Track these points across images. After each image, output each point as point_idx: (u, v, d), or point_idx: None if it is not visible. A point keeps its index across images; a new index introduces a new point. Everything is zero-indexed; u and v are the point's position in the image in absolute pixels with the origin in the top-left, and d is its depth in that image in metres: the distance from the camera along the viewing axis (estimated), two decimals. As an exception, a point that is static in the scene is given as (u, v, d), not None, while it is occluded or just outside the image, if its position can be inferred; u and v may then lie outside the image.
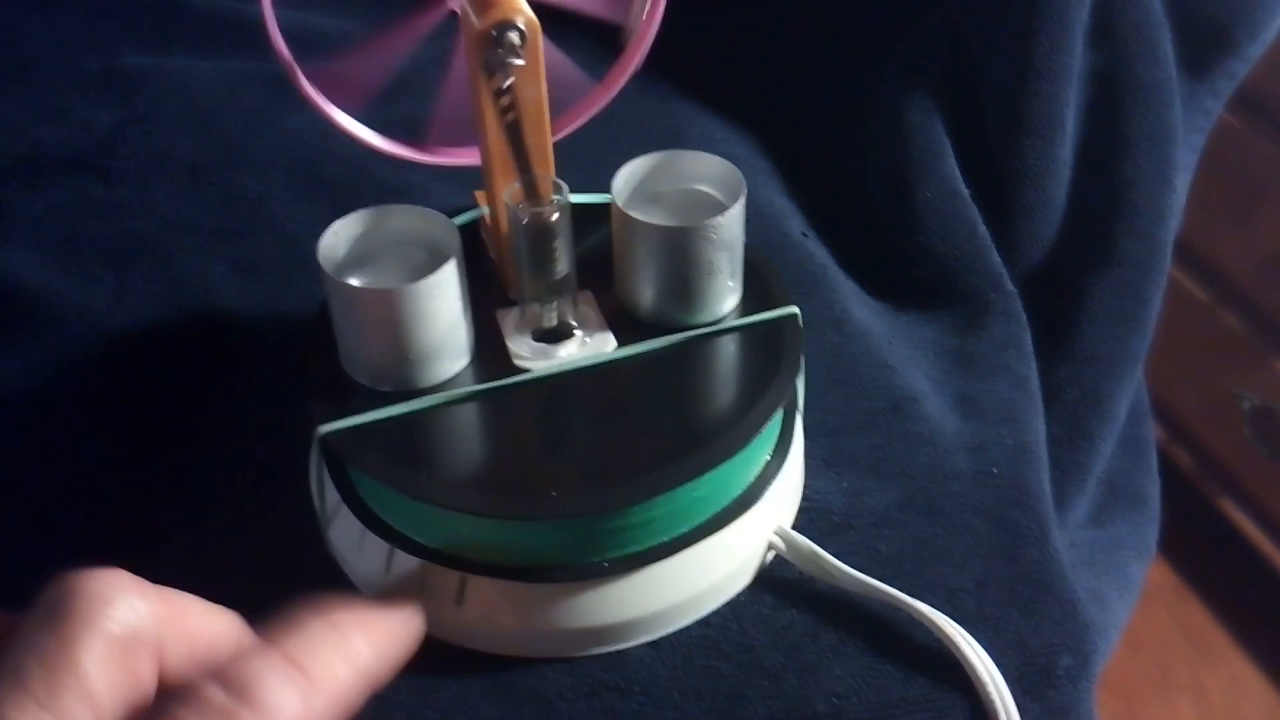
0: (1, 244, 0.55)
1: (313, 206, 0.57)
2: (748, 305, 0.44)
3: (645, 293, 0.43)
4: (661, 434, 0.40)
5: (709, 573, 0.41)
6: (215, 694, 0.30)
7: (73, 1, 0.70)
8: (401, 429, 0.40)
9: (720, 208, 0.42)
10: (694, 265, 0.42)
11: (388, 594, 0.39)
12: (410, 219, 0.41)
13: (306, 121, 0.60)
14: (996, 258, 0.56)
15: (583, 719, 0.39)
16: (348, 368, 0.41)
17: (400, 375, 0.40)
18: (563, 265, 0.41)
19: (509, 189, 0.40)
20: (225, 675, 0.31)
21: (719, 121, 0.65)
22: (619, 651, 0.41)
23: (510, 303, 0.44)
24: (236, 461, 0.48)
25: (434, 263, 0.39)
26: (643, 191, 0.44)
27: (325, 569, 0.43)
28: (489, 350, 0.42)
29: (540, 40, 0.38)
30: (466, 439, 0.40)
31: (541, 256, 0.40)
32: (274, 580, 0.39)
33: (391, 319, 0.39)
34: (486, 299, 0.44)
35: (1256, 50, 0.61)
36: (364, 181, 0.59)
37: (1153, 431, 0.63)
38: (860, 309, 0.55)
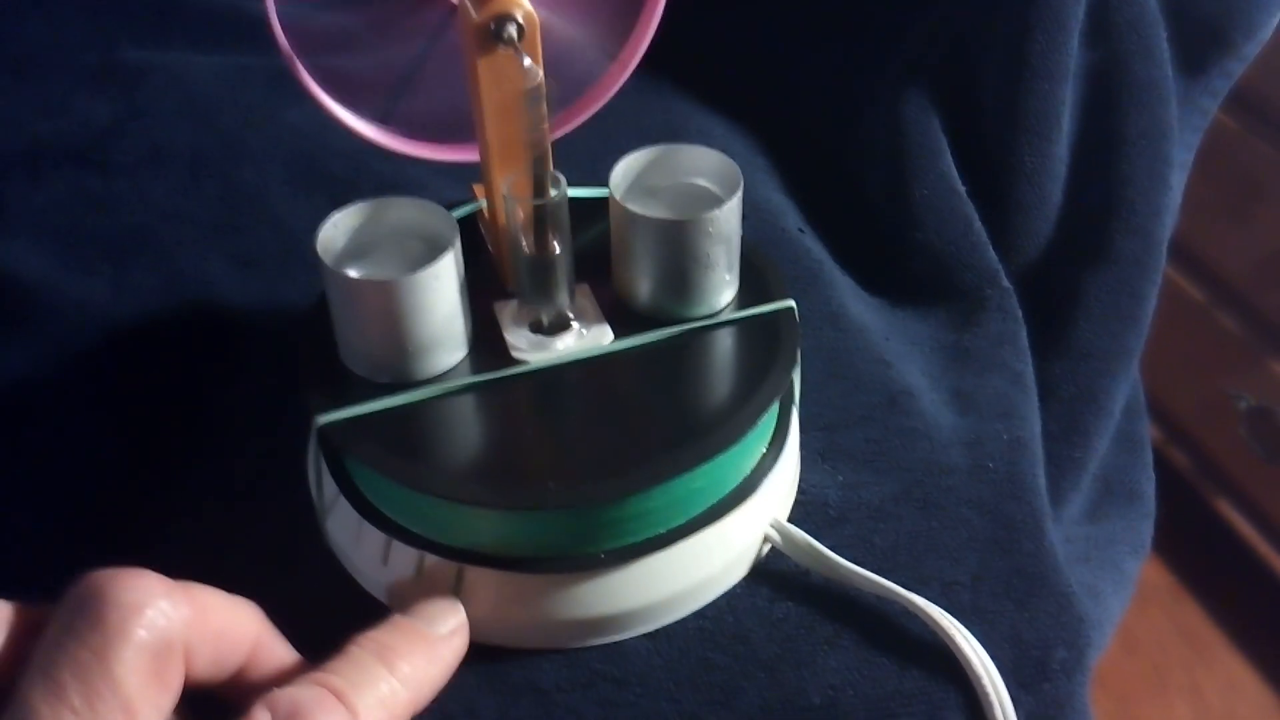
0: (0, 237, 0.55)
1: (311, 200, 0.58)
2: (744, 299, 0.45)
3: (642, 285, 0.43)
4: (658, 426, 0.40)
5: (705, 565, 0.41)
6: None
7: (72, -4, 0.70)
8: (399, 420, 0.40)
9: (717, 201, 0.42)
10: (691, 258, 0.42)
11: (435, 611, 0.39)
12: (409, 211, 0.41)
13: (305, 116, 0.61)
14: (993, 254, 0.57)
15: (579, 710, 0.40)
16: (346, 359, 0.41)
17: (398, 366, 0.40)
18: (559, 254, 0.41)
19: (507, 181, 0.40)
20: (275, 705, 0.32)
21: (716, 118, 0.66)
22: (615, 643, 0.41)
23: (508, 295, 0.44)
24: (235, 453, 0.48)
25: (432, 254, 0.39)
26: (640, 185, 0.44)
27: (323, 560, 0.43)
28: (486, 342, 0.42)
29: (538, 34, 0.38)
30: (464, 430, 0.40)
31: (538, 248, 0.40)
32: (272, 571, 0.39)
33: (389, 310, 0.39)
34: (484, 291, 0.44)
35: (1252, 49, 0.61)
36: (363, 176, 0.59)
37: (1148, 428, 0.63)
38: (856, 304, 0.55)
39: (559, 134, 0.44)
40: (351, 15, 0.63)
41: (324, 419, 0.39)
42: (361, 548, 0.41)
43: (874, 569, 0.42)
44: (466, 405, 0.41)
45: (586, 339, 0.43)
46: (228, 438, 0.48)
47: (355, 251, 0.41)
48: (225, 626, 0.35)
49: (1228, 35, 0.60)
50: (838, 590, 0.43)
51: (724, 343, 0.43)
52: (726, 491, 0.42)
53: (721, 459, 0.40)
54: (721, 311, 0.44)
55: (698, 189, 0.44)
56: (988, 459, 0.48)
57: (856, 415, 0.49)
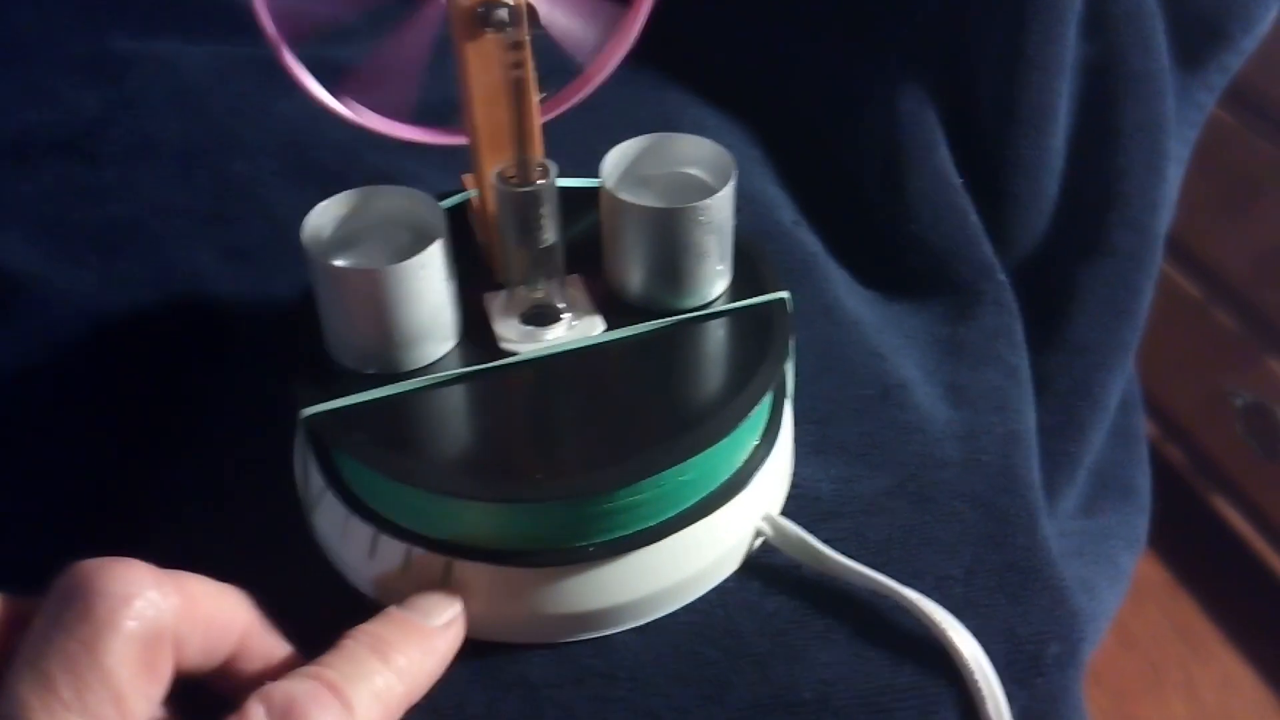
0: (-12, 228, 0.55)
1: (302, 191, 0.57)
2: (737, 290, 0.44)
3: (634, 276, 0.43)
4: (649, 417, 0.40)
5: (696, 558, 0.41)
6: (258, 716, 0.32)
7: (61, -15, 0.70)
8: (386, 411, 0.39)
9: (710, 191, 0.42)
10: (683, 248, 0.42)
11: (430, 604, 0.38)
12: (397, 200, 0.41)
13: (297, 106, 0.60)
14: (988, 247, 0.56)
15: (569, 705, 0.39)
16: (333, 350, 0.41)
17: (386, 357, 0.40)
18: (549, 244, 0.41)
19: (496, 167, 0.40)
20: (270, 699, 0.32)
21: (711, 109, 0.65)
22: (605, 637, 0.41)
23: (498, 286, 0.44)
24: (223, 446, 0.48)
25: (420, 244, 0.39)
26: (632, 174, 0.44)
27: (310, 554, 0.43)
28: (476, 333, 0.42)
29: (526, 18, 0.38)
30: (452, 422, 0.40)
31: (527, 237, 0.40)
32: (258, 565, 0.39)
33: (376, 300, 0.38)
34: (474, 282, 0.43)
35: (1249, 43, 0.61)
36: (354, 166, 0.58)
37: (1144, 422, 0.63)
38: (851, 297, 0.55)
39: (550, 116, 0.43)
40: (340, 2, 0.62)
41: (310, 410, 0.39)
42: (348, 541, 0.41)
43: (867, 563, 0.42)
44: (455, 397, 0.40)
45: (577, 330, 0.42)
46: (216, 430, 0.48)
47: (343, 241, 0.41)
48: (214, 615, 0.35)
49: (1225, 29, 0.60)
50: (830, 584, 0.42)
51: (716, 334, 0.43)
52: (718, 484, 0.41)
53: (713, 452, 0.39)
54: (714, 302, 0.44)
55: (690, 178, 0.44)
56: (982, 453, 0.48)
57: (850, 408, 0.49)
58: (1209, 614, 1.18)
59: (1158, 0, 0.59)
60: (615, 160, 0.43)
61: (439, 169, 0.57)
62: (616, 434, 0.39)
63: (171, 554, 0.35)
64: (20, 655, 0.31)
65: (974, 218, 0.57)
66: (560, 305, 0.42)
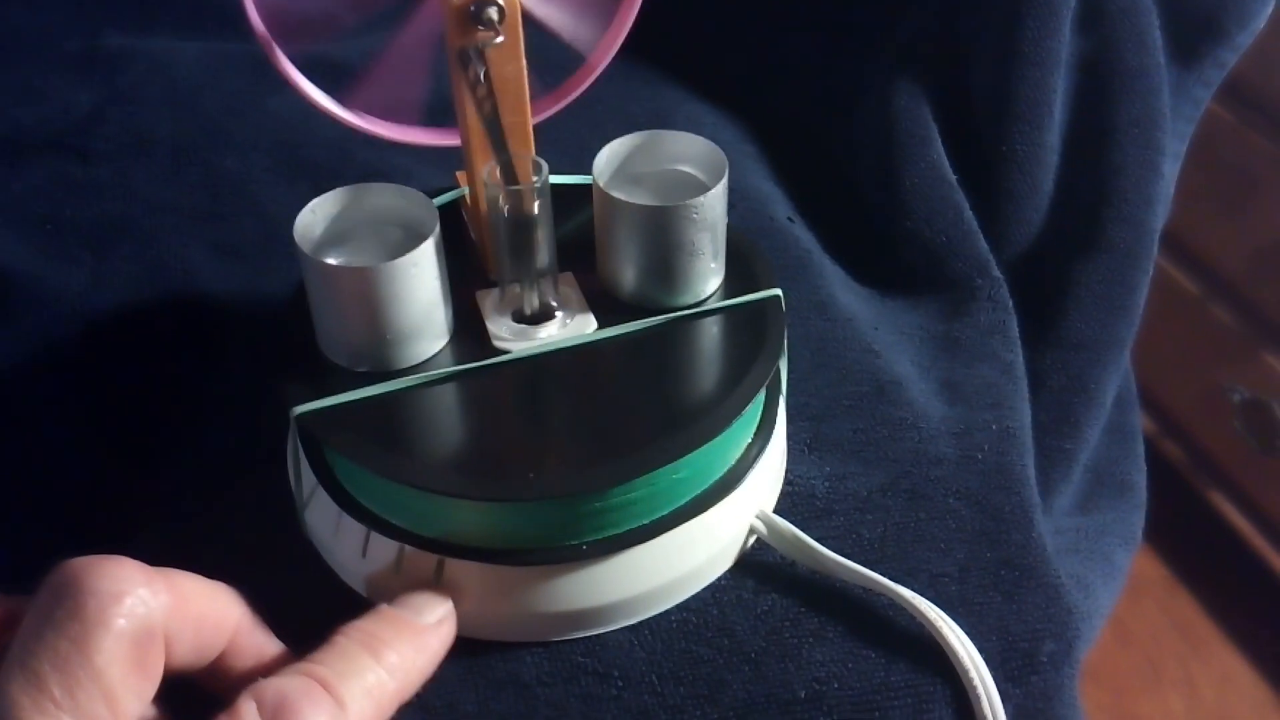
0: (-21, 225, 0.55)
1: (294, 188, 0.57)
2: (731, 287, 0.44)
3: (627, 274, 0.43)
4: (642, 416, 0.40)
5: (689, 556, 0.41)
6: (250, 713, 0.32)
7: (54, -19, 0.69)
8: (378, 410, 0.39)
9: (703, 188, 0.41)
10: (676, 246, 0.41)
11: (422, 601, 0.38)
12: (389, 198, 0.41)
13: (288, 103, 0.60)
14: (983, 243, 0.56)
15: (561, 703, 0.39)
16: (325, 348, 0.41)
17: (377, 355, 0.40)
18: (542, 247, 0.41)
19: (487, 168, 0.39)
20: (262, 695, 0.32)
21: (705, 106, 0.65)
22: (598, 635, 0.41)
23: (491, 284, 0.44)
24: (215, 444, 0.47)
25: (412, 242, 0.38)
26: (625, 172, 0.44)
27: (302, 552, 0.43)
28: (468, 331, 0.42)
29: (519, 16, 0.37)
30: (444, 420, 0.40)
31: (520, 236, 0.40)
32: (250, 563, 0.39)
33: (368, 298, 0.38)
34: (467, 280, 0.43)
35: (1245, 39, 0.61)
36: (346, 164, 0.58)
37: (1140, 419, 0.63)
38: (846, 294, 0.55)
39: (541, 118, 0.43)
40: (337, 2, 0.62)
41: (301, 409, 0.39)
42: (340, 539, 0.41)
43: (861, 561, 0.41)
44: (447, 395, 0.40)
45: (570, 328, 0.42)
46: (208, 428, 0.48)
47: (334, 239, 0.41)
48: (205, 613, 0.34)
49: (1221, 24, 0.60)
50: (824, 582, 0.42)
51: (709, 331, 0.43)
52: (711, 482, 0.41)
53: (706, 449, 0.39)
54: (707, 300, 0.44)
55: (683, 176, 0.44)
56: (976, 450, 0.47)
57: (844, 405, 0.49)
58: (1207, 610, 1.18)
59: (1153, -5, 0.59)
60: (608, 158, 0.43)
61: (432, 165, 0.57)
62: (609, 432, 0.39)
63: (164, 552, 0.35)
64: (10, 654, 0.30)
65: (969, 214, 0.56)
66: (553, 303, 0.42)
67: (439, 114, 0.43)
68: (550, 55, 0.42)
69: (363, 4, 0.40)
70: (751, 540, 0.43)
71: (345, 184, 0.41)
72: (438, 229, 0.39)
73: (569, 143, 0.46)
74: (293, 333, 0.41)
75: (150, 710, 0.33)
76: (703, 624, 0.41)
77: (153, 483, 0.47)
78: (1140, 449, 0.61)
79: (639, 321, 0.42)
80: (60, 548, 0.33)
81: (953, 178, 0.57)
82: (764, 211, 0.58)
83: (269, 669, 0.35)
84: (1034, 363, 0.55)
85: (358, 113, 0.42)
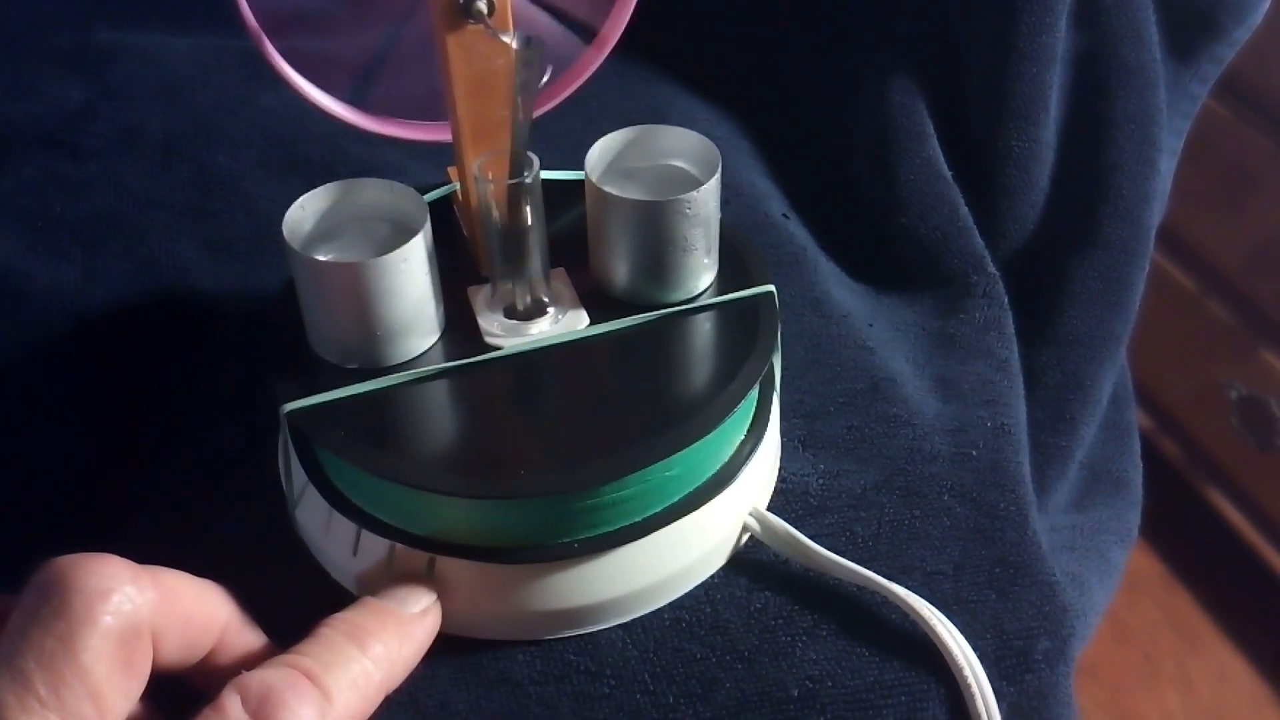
0: (-31, 221, 0.55)
1: (286, 184, 0.57)
2: (724, 283, 0.44)
3: (619, 269, 0.42)
4: (634, 412, 0.39)
5: (682, 554, 0.41)
6: (234, 706, 0.31)
7: (45, -24, 0.69)
8: (369, 407, 0.39)
9: (696, 183, 0.41)
10: (668, 241, 0.41)
11: (406, 592, 0.38)
12: (379, 193, 0.40)
13: (280, 99, 0.60)
14: (978, 240, 0.56)
15: (553, 702, 0.39)
16: (315, 345, 0.41)
17: (368, 352, 0.40)
18: (534, 243, 0.40)
19: (477, 163, 0.39)
20: (246, 688, 0.32)
21: (700, 101, 0.65)
22: (591, 634, 0.40)
23: (482, 279, 0.43)
24: (205, 442, 0.47)
25: (402, 237, 0.38)
26: (617, 167, 0.43)
27: (293, 550, 0.43)
28: (459, 327, 0.42)
29: (510, 10, 0.37)
30: (435, 417, 0.40)
31: (510, 233, 0.40)
32: (241, 561, 0.39)
33: (358, 294, 0.38)
34: (458, 275, 0.43)
35: (1242, 35, 0.61)
36: (339, 159, 0.58)
37: (1136, 416, 0.63)
38: (840, 290, 0.54)
39: (536, 114, 0.43)
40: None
41: (291, 406, 0.39)
42: (331, 537, 0.41)
43: (855, 558, 0.41)
44: (438, 392, 0.40)
45: (562, 324, 0.42)
46: (198, 425, 0.48)
47: (324, 234, 0.40)
48: (193, 610, 0.34)
49: (1217, 20, 0.60)
50: (818, 580, 0.42)
51: (702, 328, 0.42)
52: (704, 479, 0.41)
53: (699, 446, 0.39)
54: (700, 296, 0.43)
55: (676, 171, 0.43)
56: (971, 447, 0.47)
57: (838, 402, 0.48)
58: (1204, 607, 1.18)
59: (1149, -9, 0.58)
60: (600, 153, 0.42)
61: (425, 161, 0.57)
62: (601, 429, 0.39)
63: (153, 550, 0.35)
64: None
65: (964, 210, 0.56)
66: (545, 299, 0.42)
67: (430, 109, 0.43)
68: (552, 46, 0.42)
69: (362, 5, 0.40)
70: (745, 538, 0.43)
71: (337, 180, 0.41)
72: (428, 224, 0.39)
73: (563, 138, 0.46)
74: (283, 329, 0.41)
75: (138, 708, 0.32)
76: (695, 622, 0.41)
77: (143, 480, 0.46)
78: (1136, 446, 0.61)
79: (631, 317, 0.42)
80: (49, 545, 0.33)
81: (948, 174, 0.57)
82: (758, 207, 0.57)
83: (256, 665, 0.35)
84: (1029, 359, 0.54)
85: (349, 107, 0.42)
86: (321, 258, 0.38)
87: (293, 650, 0.34)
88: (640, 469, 0.38)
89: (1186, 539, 1.20)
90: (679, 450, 0.38)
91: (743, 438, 0.42)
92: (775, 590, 0.42)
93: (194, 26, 0.67)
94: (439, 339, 0.41)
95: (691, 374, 0.41)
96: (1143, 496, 0.61)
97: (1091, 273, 0.56)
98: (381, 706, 0.35)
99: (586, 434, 0.39)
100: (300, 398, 0.39)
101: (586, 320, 0.42)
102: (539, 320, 0.42)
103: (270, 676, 0.33)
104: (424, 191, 0.42)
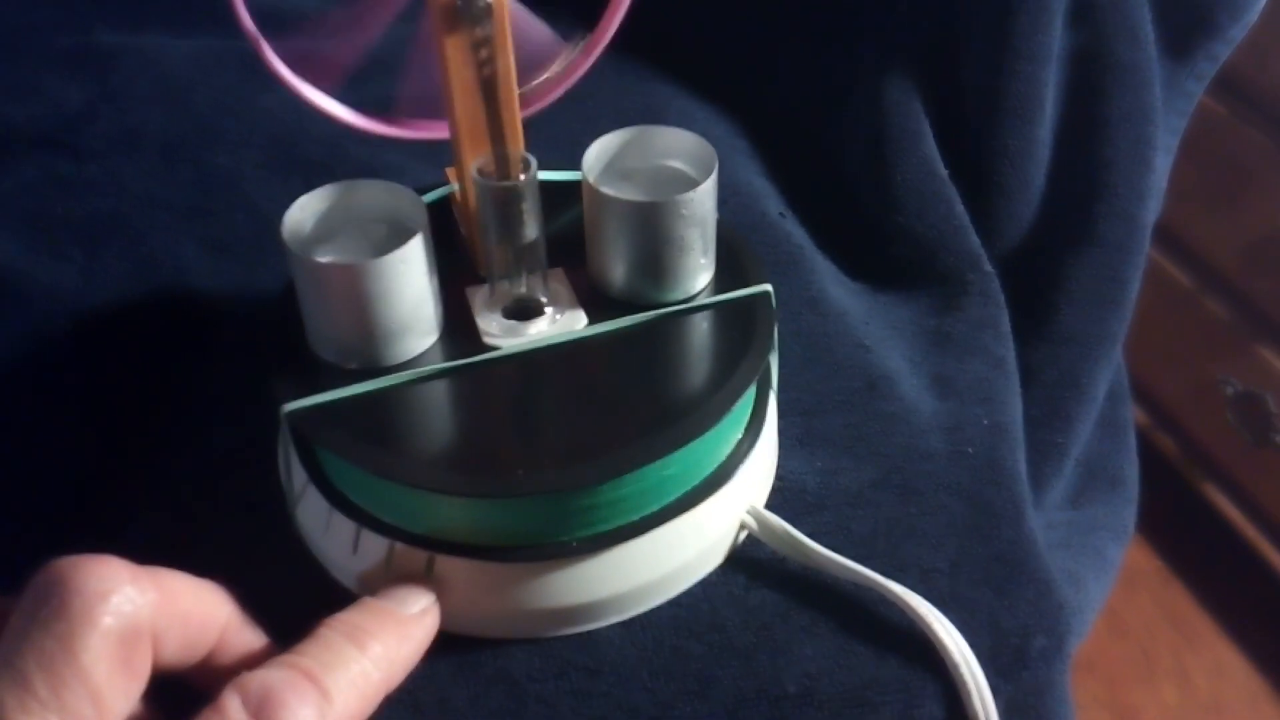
0: (-30, 222, 0.55)
1: (286, 185, 0.57)
2: (721, 283, 0.44)
3: (617, 269, 0.43)
4: (632, 411, 0.40)
5: (680, 552, 0.41)
6: (234, 707, 0.31)
7: (45, -22, 0.69)
8: (368, 407, 0.39)
9: (693, 183, 0.41)
10: (665, 241, 0.41)
11: (404, 591, 0.38)
12: (377, 194, 0.41)
13: (280, 100, 0.60)
14: (975, 238, 0.56)
15: (551, 700, 0.39)
16: (314, 345, 0.41)
17: (367, 352, 0.40)
18: (530, 238, 0.40)
19: (476, 163, 0.39)
20: (246, 689, 0.32)
21: (697, 101, 0.65)
22: (588, 632, 0.41)
23: (481, 280, 0.44)
24: (205, 442, 0.47)
25: (401, 238, 0.38)
26: (614, 168, 0.43)
27: (293, 549, 0.43)
28: (458, 327, 0.42)
29: (507, 11, 0.37)
30: (434, 417, 0.40)
31: (508, 231, 0.40)
32: (242, 561, 0.39)
33: (357, 294, 0.38)
34: (456, 276, 0.43)
35: (1238, 32, 0.61)
36: (338, 160, 0.58)
37: (1132, 413, 0.63)
38: (837, 289, 0.54)
39: (530, 112, 0.43)
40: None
41: (291, 406, 0.39)
42: (331, 536, 0.41)
43: (852, 556, 0.41)
44: (437, 391, 0.40)
45: (560, 324, 0.42)
46: (198, 425, 0.48)
47: (323, 236, 0.41)
48: (193, 610, 0.34)
49: (1213, 17, 0.60)
50: (815, 577, 0.42)
51: (699, 327, 0.43)
52: (702, 478, 0.41)
53: (697, 445, 0.39)
54: (697, 296, 0.43)
55: (673, 171, 0.44)
56: (967, 444, 0.47)
57: (835, 400, 0.49)
58: (1201, 602, 1.18)
59: (1145, -11, 0.58)
60: (597, 153, 0.43)
61: (425, 161, 0.57)
62: (599, 428, 0.39)
63: (154, 550, 0.35)
64: None
65: (960, 208, 0.56)
66: (543, 299, 0.42)
67: (428, 109, 0.43)
68: (539, 51, 0.42)
69: (357, 4, 0.40)
70: (742, 536, 0.43)
71: (338, 180, 0.41)
72: (426, 225, 0.39)
73: (561, 138, 0.46)
74: (283, 330, 0.41)
75: (138, 708, 0.33)
76: (693, 620, 0.41)
77: (142, 480, 0.46)
78: (1132, 443, 0.61)
79: (629, 317, 0.42)
80: (48, 546, 0.33)
81: (944, 172, 0.57)
82: (755, 207, 0.57)
83: (256, 665, 0.35)
84: (1025, 357, 0.55)
85: (348, 108, 0.42)
86: (321, 259, 0.39)
87: (292, 651, 0.35)
88: (638, 468, 0.38)
89: (1183, 534, 1.20)
90: (677, 449, 0.38)
91: (740, 436, 0.43)
92: (773, 588, 0.42)
93: (194, 28, 0.67)
94: (438, 339, 0.41)
95: (689, 373, 0.41)
96: (1139, 492, 0.61)
97: (1087, 271, 0.56)
98: (381, 705, 0.36)
99: (584, 433, 0.39)
100: (300, 398, 0.39)
101: (584, 320, 0.42)
102: (537, 320, 0.42)
103: (270, 677, 0.33)
104: (423, 192, 0.43)
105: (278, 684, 0.32)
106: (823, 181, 0.60)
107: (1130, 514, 0.59)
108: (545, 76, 0.43)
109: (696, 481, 0.41)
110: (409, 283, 0.39)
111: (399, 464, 0.38)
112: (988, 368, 0.51)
